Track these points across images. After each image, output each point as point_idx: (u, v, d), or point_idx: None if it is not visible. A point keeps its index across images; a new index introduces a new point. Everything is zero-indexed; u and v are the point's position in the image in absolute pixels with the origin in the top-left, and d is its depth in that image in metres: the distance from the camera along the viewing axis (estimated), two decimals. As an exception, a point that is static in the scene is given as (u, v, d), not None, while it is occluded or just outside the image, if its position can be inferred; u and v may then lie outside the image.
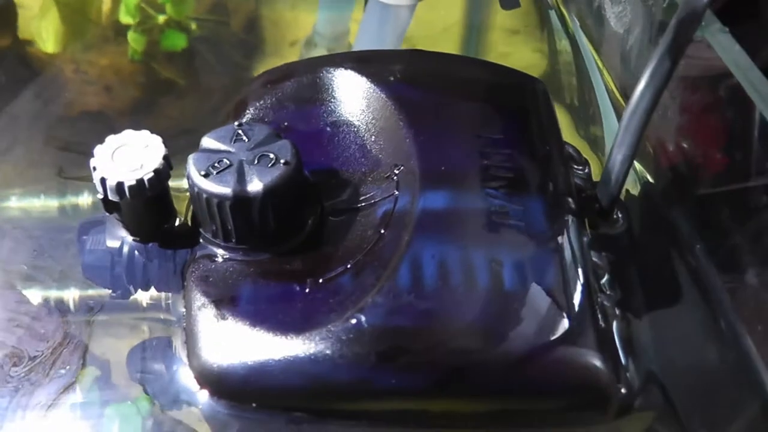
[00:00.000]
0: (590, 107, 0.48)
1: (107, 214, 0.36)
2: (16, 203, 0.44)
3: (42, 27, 0.58)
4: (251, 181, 0.32)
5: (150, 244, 0.35)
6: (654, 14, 0.40)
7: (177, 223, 0.36)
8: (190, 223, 0.36)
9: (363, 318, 0.30)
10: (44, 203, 0.44)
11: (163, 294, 0.37)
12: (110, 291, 0.37)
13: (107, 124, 0.52)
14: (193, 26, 0.59)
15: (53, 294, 0.39)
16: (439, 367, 0.30)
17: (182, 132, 0.48)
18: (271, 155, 0.33)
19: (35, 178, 0.46)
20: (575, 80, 0.51)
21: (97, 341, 0.38)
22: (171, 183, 0.35)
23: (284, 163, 0.33)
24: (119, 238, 0.36)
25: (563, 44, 0.52)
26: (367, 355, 0.30)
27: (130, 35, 0.56)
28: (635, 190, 0.40)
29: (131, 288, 0.36)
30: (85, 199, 0.44)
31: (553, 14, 0.53)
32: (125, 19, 0.58)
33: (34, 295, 0.39)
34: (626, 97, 0.43)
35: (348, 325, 0.30)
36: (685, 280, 0.36)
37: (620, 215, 0.37)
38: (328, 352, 0.30)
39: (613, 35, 0.44)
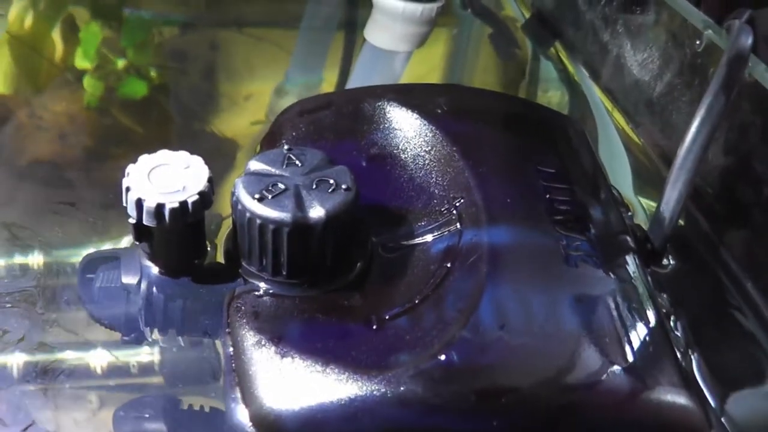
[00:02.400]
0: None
1: (119, 248, 0.32)
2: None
3: (-7, 67, 0.54)
4: (312, 207, 0.29)
5: (180, 280, 0.31)
6: (689, 58, 0.40)
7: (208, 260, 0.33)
8: (224, 260, 0.32)
9: (454, 354, 0.27)
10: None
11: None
12: (121, 335, 0.32)
13: (58, 174, 0.48)
14: (153, 73, 0.56)
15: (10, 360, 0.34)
16: (536, 410, 0.28)
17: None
18: (331, 180, 0.30)
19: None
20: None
21: (41, 411, 0.33)
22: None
23: (345, 189, 0.30)
24: (137, 274, 0.32)
25: (549, 96, 0.52)
26: (464, 395, 0.27)
27: (87, 81, 0.53)
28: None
29: (147, 330, 0.32)
30: (35, 259, 0.39)
31: (549, 66, 0.52)
32: (82, 63, 0.54)
33: None
34: (653, 141, 0.43)
35: (438, 362, 0.27)
36: (738, 320, 0.35)
37: (669, 257, 0.36)
38: (419, 392, 0.27)
39: (635, 84, 0.44)
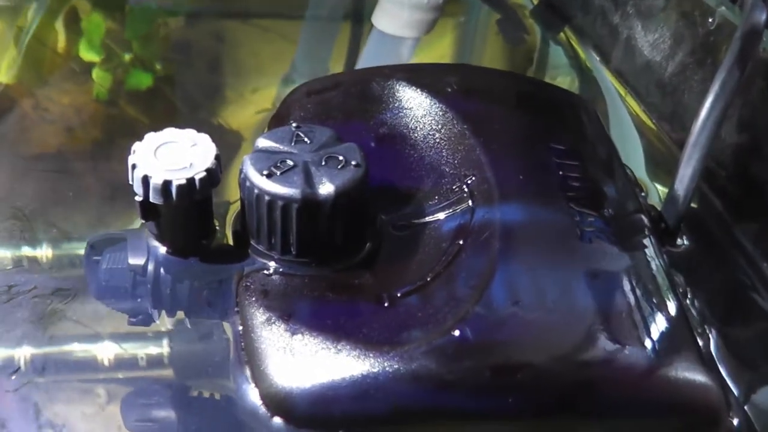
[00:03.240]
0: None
1: (124, 230, 0.31)
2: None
3: (-4, 58, 0.54)
4: (321, 183, 0.29)
5: (188, 260, 0.31)
6: (700, 37, 0.39)
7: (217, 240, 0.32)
8: (232, 241, 0.31)
9: (468, 330, 0.26)
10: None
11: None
12: (128, 316, 0.32)
13: (65, 165, 0.47)
14: (158, 66, 0.56)
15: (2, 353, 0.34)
16: (548, 387, 0.27)
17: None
18: (340, 157, 0.30)
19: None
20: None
21: (49, 405, 0.33)
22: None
23: (355, 165, 0.30)
24: (144, 255, 0.31)
25: (559, 81, 0.51)
26: (477, 370, 0.26)
27: (96, 73, 0.52)
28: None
29: (155, 311, 0.32)
30: (43, 251, 0.39)
31: (559, 51, 0.52)
32: (86, 55, 0.54)
33: None
34: (660, 122, 0.42)
35: (452, 338, 0.26)
36: (753, 299, 0.35)
37: (683, 237, 0.36)
38: (433, 367, 0.26)
39: (646, 64, 0.44)
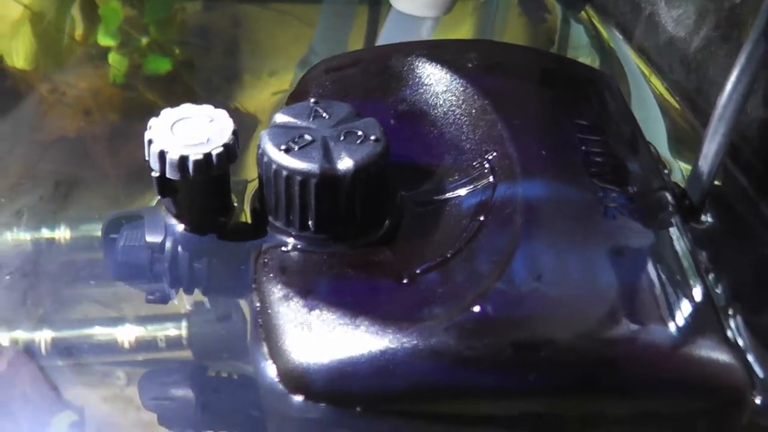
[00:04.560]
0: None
1: (141, 207, 0.31)
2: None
3: (13, 45, 0.54)
4: (341, 158, 0.28)
5: (206, 236, 0.30)
6: (725, 11, 0.38)
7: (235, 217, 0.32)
8: (250, 218, 0.31)
9: (489, 306, 0.26)
10: (16, 236, 0.38)
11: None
12: (146, 294, 0.32)
13: (83, 150, 0.47)
14: (176, 50, 0.55)
15: (23, 336, 0.34)
16: (572, 363, 0.27)
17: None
18: (359, 132, 0.29)
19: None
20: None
21: (69, 387, 0.33)
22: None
23: (375, 140, 0.29)
24: (161, 233, 0.31)
25: (584, 61, 0.51)
26: (498, 346, 0.26)
27: (112, 57, 0.52)
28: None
29: (173, 289, 0.31)
30: (62, 233, 0.38)
31: (581, 30, 0.51)
32: (104, 40, 0.54)
33: (2, 337, 0.34)
34: (684, 101, 0.42)
35: (472, 314, 0.26)
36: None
37: (707, 214, 0.35)
38: (451, 344, 0.26)
39: (670, 40, 0.43)
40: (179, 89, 0.54)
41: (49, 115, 0.50)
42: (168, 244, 0.31)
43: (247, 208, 0.32)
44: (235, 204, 0.32)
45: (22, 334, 0.34)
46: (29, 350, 0.34)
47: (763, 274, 0.35)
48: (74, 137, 0.49)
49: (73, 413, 0.33)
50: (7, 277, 0.37)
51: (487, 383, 0.26)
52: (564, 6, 0.53)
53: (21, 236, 0.39)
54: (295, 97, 0.35)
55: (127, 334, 0.34)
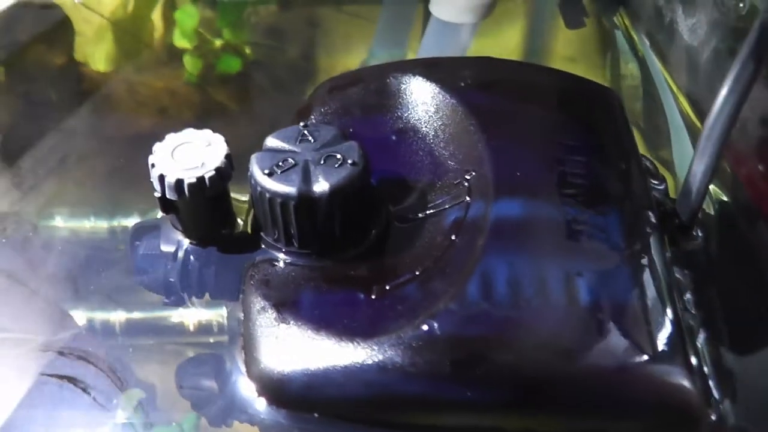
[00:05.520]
0: (659, 130, 0.46)
1: (163, 216, 0.34)
2: (65, 223, 0.42)
3: (95, 49, 0.58)
4: (317, 181, 0.31)
5: (208, 249, 0.34)
6: (732, 22, 0.38)
7: (237, 230, 0.35)
8: (250, 230, 0.34)
9: (435, 325, 0.28)
10: (94, 224, 0.42)
11: (213, 314, 0.35)
12: (163, 298, 0.35)
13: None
14: (248, 51, 0.58)
15: (99, 315, 0.37)
16: (517, 380, 0.28)
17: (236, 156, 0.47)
18: (338, 156, 0.32)
19: (82, 197, 0.45)
20: (641, 105, 0.49)
21: (141, 365, 0.36)
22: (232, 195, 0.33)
23: (352, 164, 0.31)
24: (175, 243, 0.35)
25: (630, 68, 0.51)
26: (440, 364, 0.28)
27: (186, 59, 0.56)
28: (710, 209, 0.38)
29: (185, 295, 0.35)
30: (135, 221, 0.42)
31: (620, 36, 0.51)
32: (180, 42, 0.58)
33: (80, 317, 0.37)
34: (697, 112, 0.42)
35: (419, 332, 0.28)
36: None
37: (698, 232, 0.35)
38: (397, 359, 0.28)
39: (685, 49, 0.43)
40: (251, 89, 0.57)
41: (127, 113, 0.54)
42: (180, 254, 0.35)
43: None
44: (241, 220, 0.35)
45: (94, 313, 0.37)
46: (101, 328, 0.37)
47: (744, 294, 0.35)
48: (149, 134, 0.53)
49: (141, 391, 0.37)
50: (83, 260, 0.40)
51: (430, 398, 0.28)
52: (600, 10, 0.53)
53: (97, 224, 0.42)
54: (301, 113, 0.37)
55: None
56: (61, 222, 0.43)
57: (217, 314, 0.36)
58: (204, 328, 0.36)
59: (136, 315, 0.37)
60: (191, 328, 0.36)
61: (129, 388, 0.35)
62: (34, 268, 0.41)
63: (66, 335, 0.37)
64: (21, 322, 0.37)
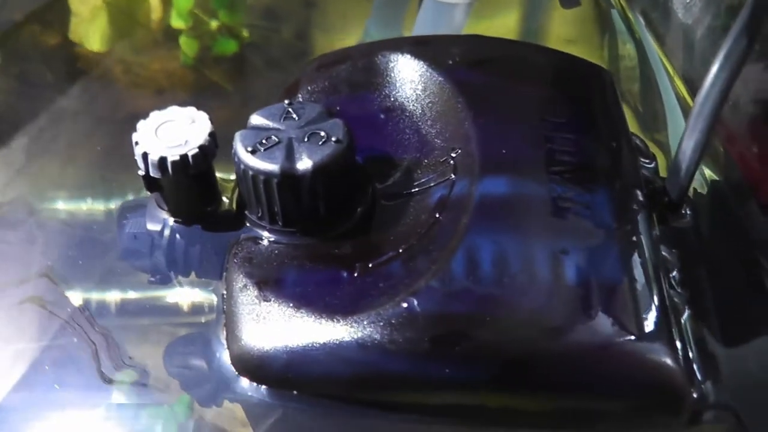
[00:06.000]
0: (655, 111, 0.46)
1: (148, 194, 0.34)
2: (61, 205, 0.42)
3: (90, 30, 0.57)
4: (300, 159, 0.31)
5: (192, 227, 0.33)
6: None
7: (222, 208, 0.34)
8: (235, 207, 0.34)
9: (416, 302, 0.28)
10: (90, 206, 0.42)
11: (204, 293, 0.35)
12: (149, 276, 0.35)
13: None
14: (245, 33, 0.58)
15: (95, 296, 0.37)
16: (498, 359, 0.28)
17: (230, 136, 0.47)
18: (322, 133, 0.31)
19: (74, 177, 0.45)
20: (638, 86, 0.49)
21: (134, 345, 0.36)
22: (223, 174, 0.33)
23: (335, 141, 0.31)
24: (161, 221, 0.34)
25: (627, 48, 0.50)
26: (420, 341, 0.27)
27: (182, 40, 0.55)
28: (701, 188, 0.38)
29: (171, 273, 0.35)
30: None
31: (616, 15, 0.50)
32: (176, 23, 0.57)
33: (76, 297, 0.37)
34: (691, 93, 0.41)
35: (399, 309, 0.28)
36: (757, 281, 0.34)
37: (688, 210, 0.35)
38: (377, 336, 0.28)
39: (679, 28, 0.42)
40: (247, 70, 0.57)
41: (123, 94, 0.53)
42: (165, 233, 0.35)
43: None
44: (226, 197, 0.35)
45: (89, 294, 0.37)
46: (96, 309, 0.36)
47: (732, 273, 0.34)
48: (145, 115, 0.53)
49: (135, 372, 0.37)
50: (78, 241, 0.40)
51: (411, 376, 0.28)
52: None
53: (93, 205, 0.43)
54: (289, 91, 0.37)
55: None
56: (55, 203, 0.43)
57: (209, 293, 0.35)
58: (196, 308, 0.36)
59: (129, 295, 0.37)
60: (184, 308, 0.36)
61: (122, 369, 0.35)
62: (28, 248, 0.41)
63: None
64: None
